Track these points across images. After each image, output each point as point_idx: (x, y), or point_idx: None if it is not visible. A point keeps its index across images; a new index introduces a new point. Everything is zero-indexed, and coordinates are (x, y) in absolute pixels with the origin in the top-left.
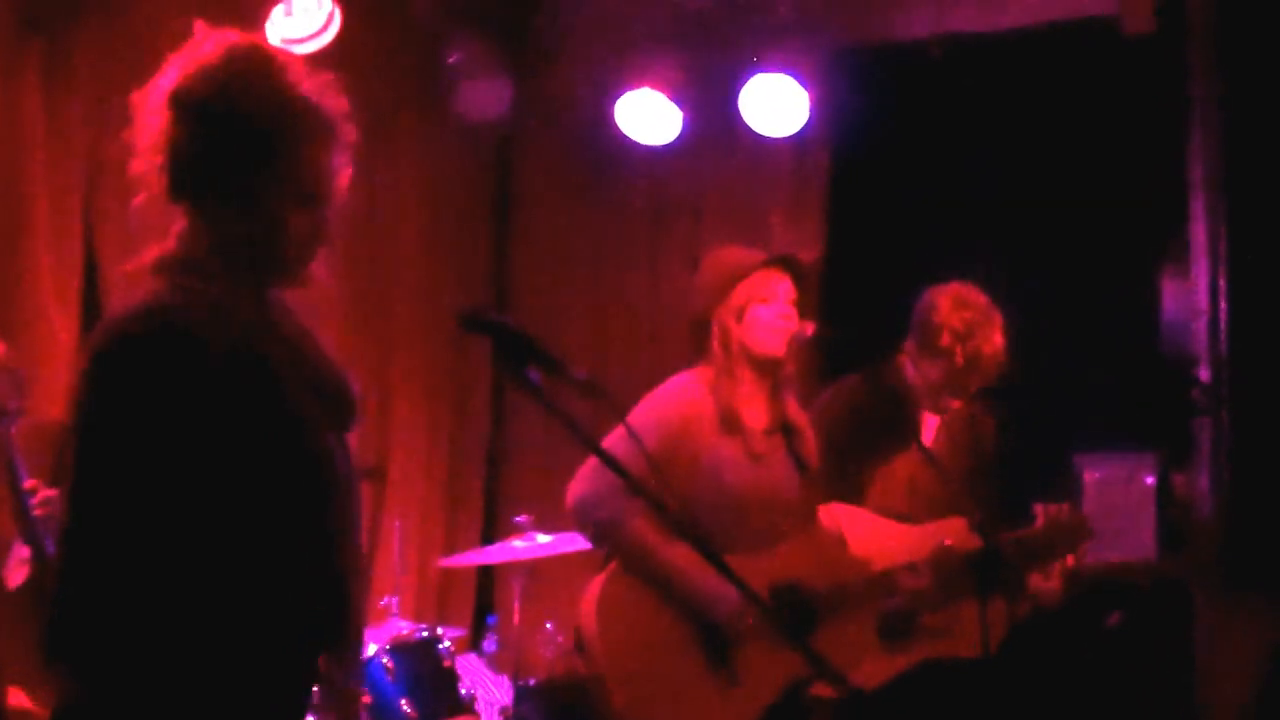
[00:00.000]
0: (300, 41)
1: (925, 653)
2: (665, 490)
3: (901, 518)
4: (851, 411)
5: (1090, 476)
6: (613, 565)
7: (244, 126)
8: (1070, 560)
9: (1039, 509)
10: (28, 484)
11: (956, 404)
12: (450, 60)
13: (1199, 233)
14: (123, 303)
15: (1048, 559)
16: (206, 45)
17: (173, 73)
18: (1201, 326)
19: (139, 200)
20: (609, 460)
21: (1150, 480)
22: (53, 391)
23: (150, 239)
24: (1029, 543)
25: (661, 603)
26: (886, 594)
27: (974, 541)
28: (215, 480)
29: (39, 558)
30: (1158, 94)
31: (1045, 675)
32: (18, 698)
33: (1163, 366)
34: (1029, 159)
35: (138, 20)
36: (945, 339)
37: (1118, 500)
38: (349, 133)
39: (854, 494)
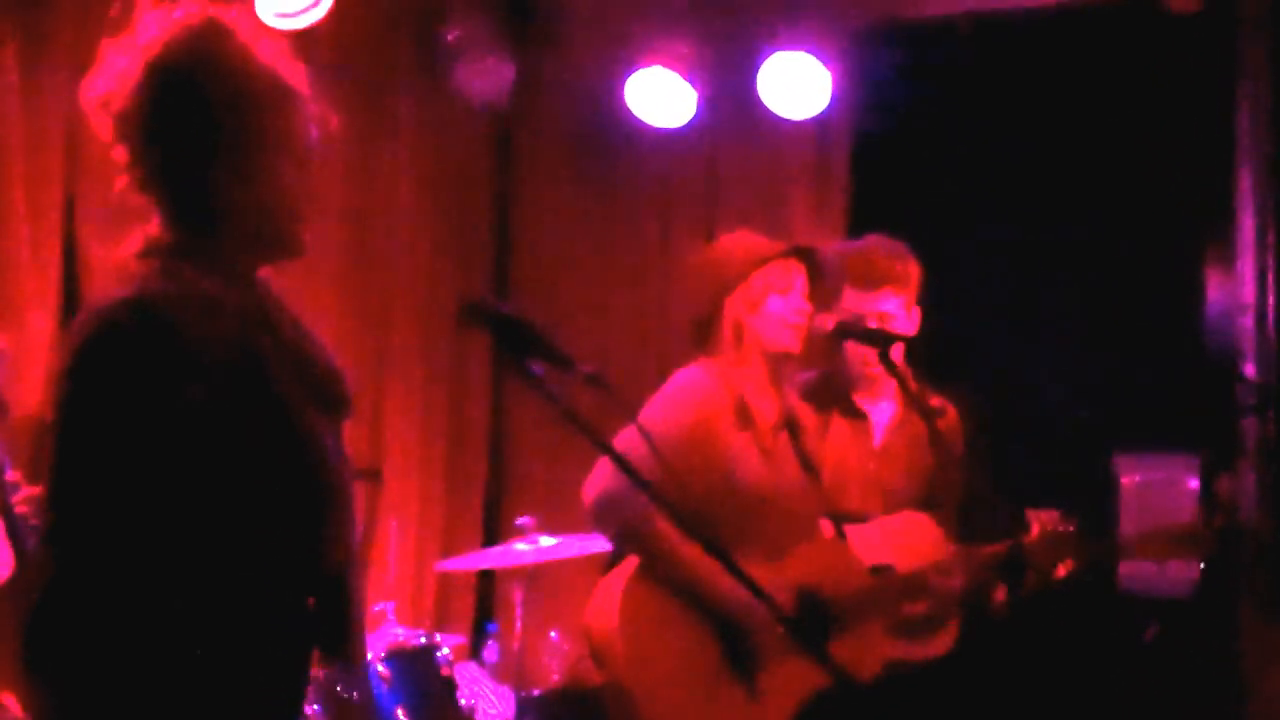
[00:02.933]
0: (293, 16)
1: (894, 652)
2: (681, 493)
3: (855, 516)
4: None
5: (1129, 479)
6: (631, 568)
7: (221, 98)
8: (1061, 571)
9: (1031, 515)
10: (10, 477)
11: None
12: (449, 37)
13: (1245, 220)
14: (106, 290)
15: (1036, 571)
16: (159, 26)
17: (137, 57)
18: (1248, 320)
19: (122, 183)
20: (621, 461)
21: (1193, 484)
22: (30, 384)
23: (133, 222)
24: (1019, 553)
25: (685, 608)
26: (913, 597)
27: (938, 539)
28: (203, 478)
29: (20, 556)
30: (1202, 75)
31: (1075, 688)
32: (9, 703)
33: (1206, 363)
34: (1063, 143)
35: None
36: None
37: (1158, 505)
38: (310, 92)
39: None
